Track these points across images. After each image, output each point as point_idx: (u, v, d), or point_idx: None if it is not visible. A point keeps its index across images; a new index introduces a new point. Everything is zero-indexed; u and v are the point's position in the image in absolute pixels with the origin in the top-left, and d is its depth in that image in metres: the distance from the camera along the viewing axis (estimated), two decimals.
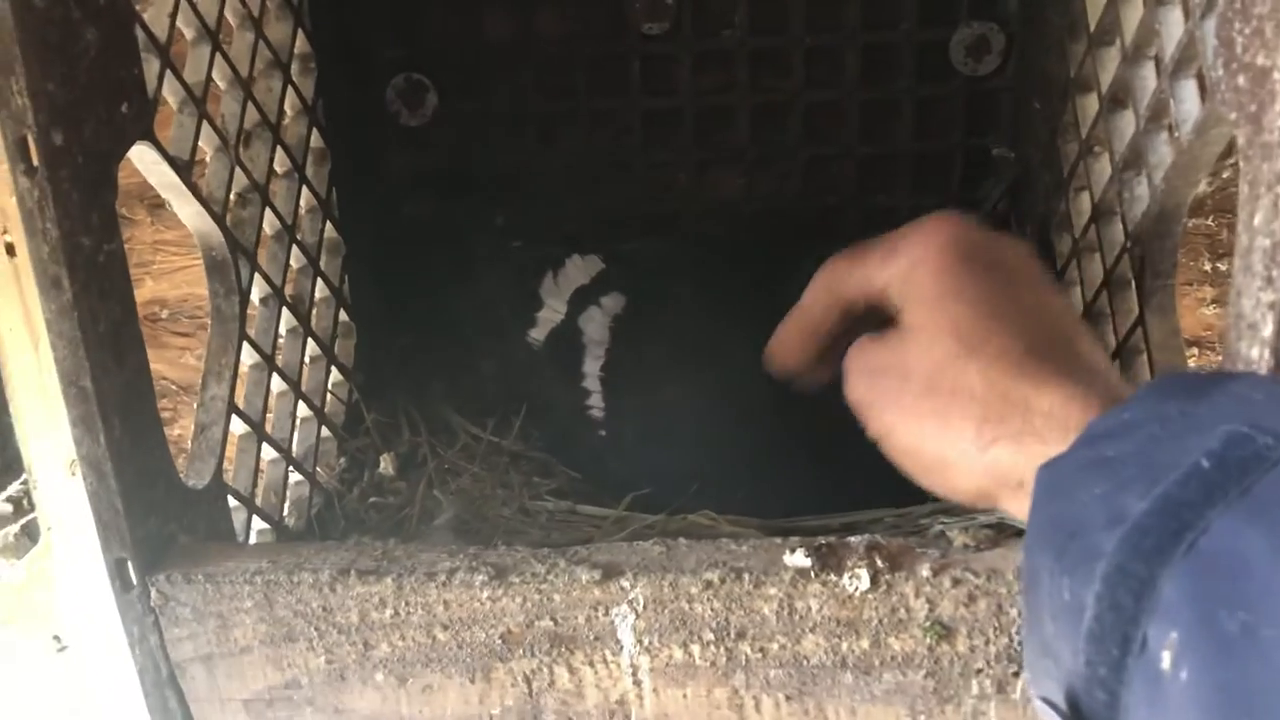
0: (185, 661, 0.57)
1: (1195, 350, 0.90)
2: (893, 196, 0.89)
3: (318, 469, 0.76)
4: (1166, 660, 0.31)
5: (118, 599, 0.56)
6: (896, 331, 0.50)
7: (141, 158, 0.56)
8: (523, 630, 0.55)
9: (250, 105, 0.67)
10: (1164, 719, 0.31)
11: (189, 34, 0.62)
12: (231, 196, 0.66)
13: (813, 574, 0.52)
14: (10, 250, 0.88)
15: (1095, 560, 0.34)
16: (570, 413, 0.79)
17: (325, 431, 0.78)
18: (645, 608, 0.54)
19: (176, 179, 0.59)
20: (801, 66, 0.86)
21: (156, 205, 0.95)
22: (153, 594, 0.55)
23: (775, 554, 0.53)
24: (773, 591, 0.53)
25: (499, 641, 0.55)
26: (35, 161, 0.48)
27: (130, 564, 0.55)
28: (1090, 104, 0.72)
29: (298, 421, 0.74)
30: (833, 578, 0.52)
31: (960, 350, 0.47)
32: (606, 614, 0.54)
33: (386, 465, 0.79)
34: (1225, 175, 0.87)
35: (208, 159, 0.64)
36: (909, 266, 0.49)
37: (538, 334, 0.81)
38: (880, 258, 0.51)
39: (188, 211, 0.61)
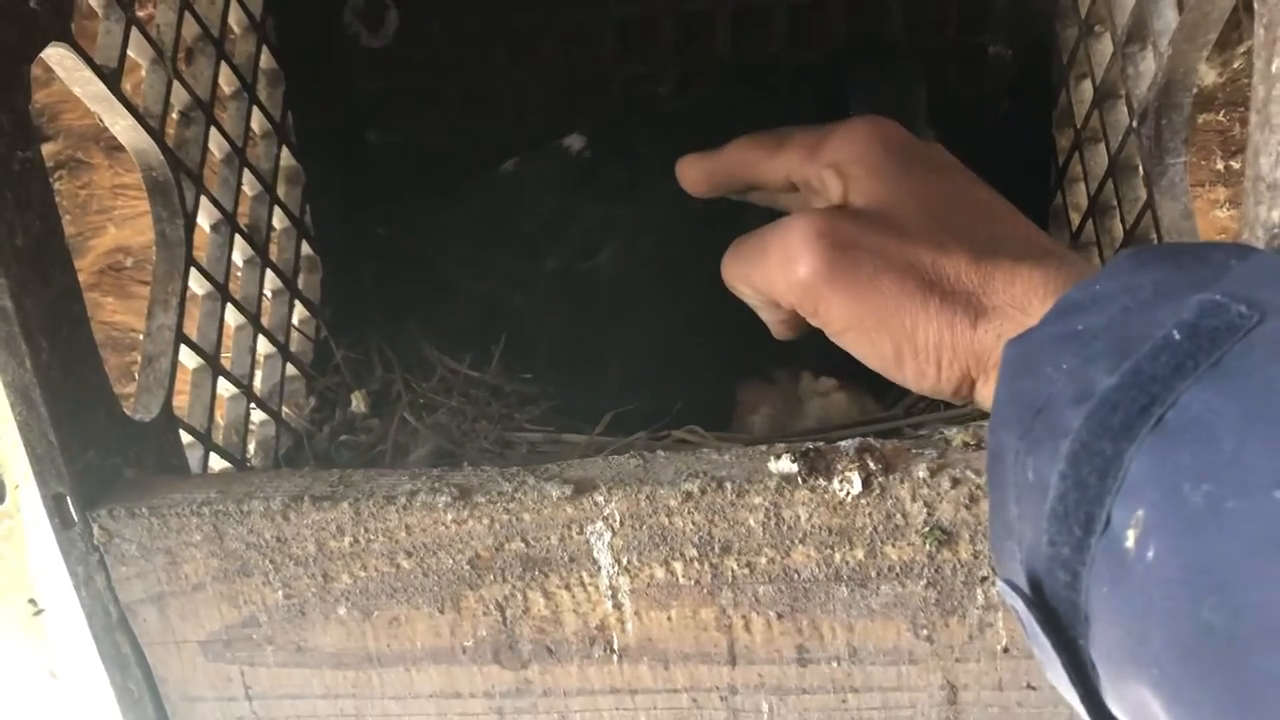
0: (135, 603, 0.53)
1: None
2: None
3: (285, 408, 0.73)
4: (1131, 539, 0.30)
5: (57, 537, 0.52)
6: (858, 210, 0.47)
7: (61, 62, 0.52)
8: (492, 554, 0.51)
9: (189, 17, 0.63)
10: (1126, 598, 0.30)
11: None
12: (174, 115, 0.62)
13: (800, 479, 0.48)
14: None
15: (1061, 438, 0.32)
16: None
17: (292, 370, 0.74)
18: (622, 524, 0.50)
19: (104, 88, 0.54)
20: None
21: (114, 147, 0.90)
22: (95, 530, 0.52)
23: (759, 461, 0.49)
24: (757, 501, 0.49)
25: (467, 567, 0.51)
26: None
27: (69, 499, 0.51)
28: None
29: (259, 358, 0.70)
30: (821, 483, 0.48)
31: (935, 233, 0.45)
32: (581, 532, 0.50)
33: (358, 403, 0.75)
34: (1236, 65, 0.82)
35: (143, 72, 0.60)
36: (857, 152, 0.48)
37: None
38: (815, 142, 0.51)
39: (120, 126, 0.57)
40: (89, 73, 0.53)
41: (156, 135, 0.58)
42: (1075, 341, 0.35)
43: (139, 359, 0.97)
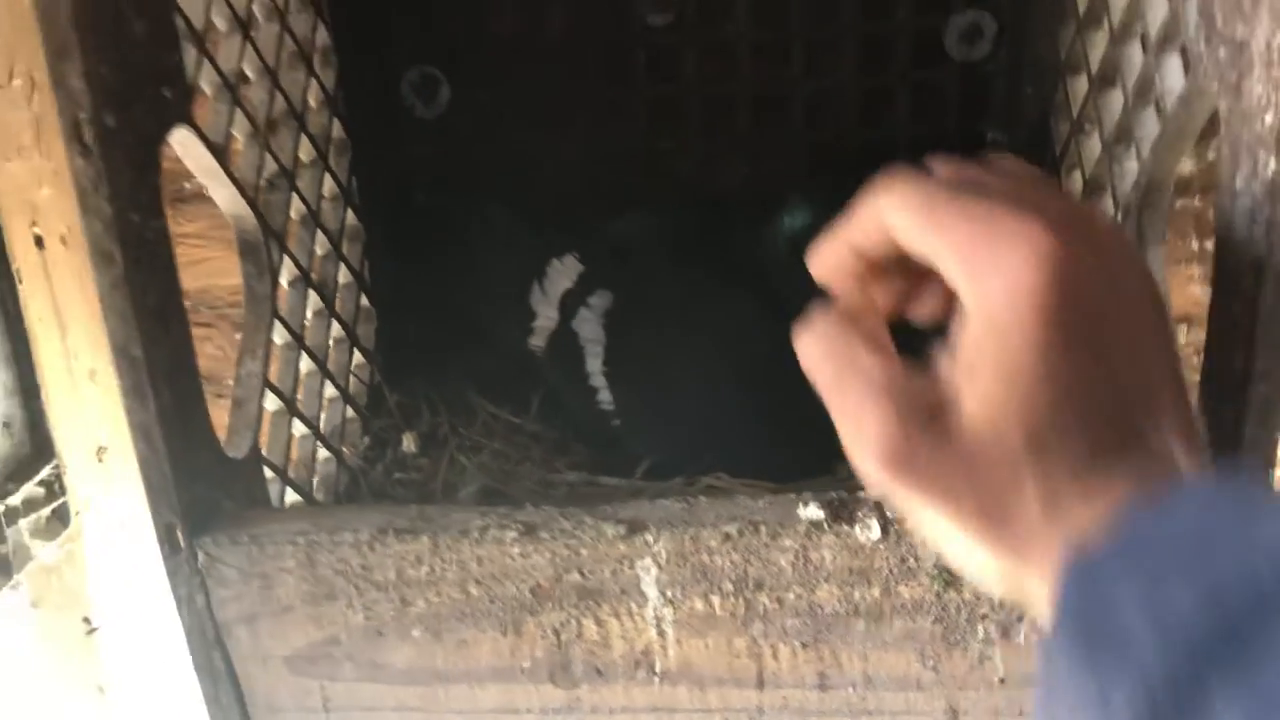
0: (230, 622, 0.59)
1: (1185, 325, 0.93)
2: None
3: (344, 447, 0.79)
4: None
5: (166, 562, 0.58)
6: (959, 416, 0.39)
7: (182, 141, 0.59)
8: (551, 584, 0.58)
9: (278, 94, 0.70)
10: None
11: (221, 25, 0.65)
12: (261, 182, 0.69)
13: (826, 525, 0.55)
14: (39, 243, 0.91)
15: (1135, 666, 0.31)
16: (582, 408, 0.82)
17: (350, 411, 0.81)
18: (668, 561, 0.57)
19: (214, 163, 0.62)
20: (802, 56, 0.89)
21: (177, 199, 0.97)
22: (200, 556, 0.58)
23: (790, 508, 0.56)
24: (789, 543, 0.56)
25: (529, 595, 0.58)
26: (89, 142, 0.51)
27: (178, 528, 0.58)
28: (1080, 84, 0.75)
29: (325, 401, 0.77)
30: (845, 529, 0.55)
31: (1042, 457, 0.38)
32: (631, 567, 0.57)
33: (409, 443, 0.82)
34: (1210, 157, 0.91)
35: (240, 145, 0.67)
36: (1001, 280, 0.38)
37: (537, 341, 0.84)
38: (964, 233, 0.39)
39: (224, 195, 0.64)
40: (203, 149, 0.61)
41: (253, 203, 0.66)
42: (1152, 565, 0.33)
43: None
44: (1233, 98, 0.50)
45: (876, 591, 0.56)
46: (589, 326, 0.82)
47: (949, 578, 0.56)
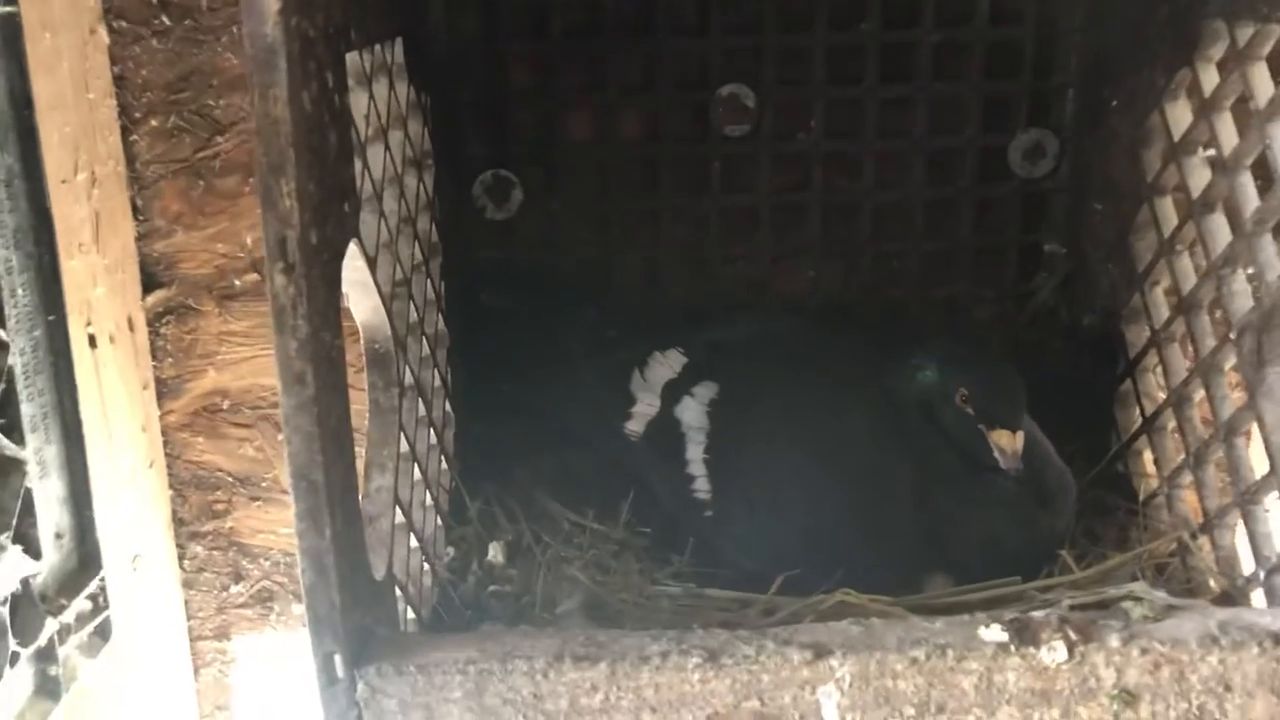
0: None
1: None
2: (953, 288, 0.95)
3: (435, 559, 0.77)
4: None
5: (322, 694, 0.55)
6: None
7: (350, 254, 0.57)
8: (729, 711, 0.56)
9: (403, 202, 0.69)
10: None
11: (370, 133, 0.64)
12: (391, 290, 0.67)
13: (1012, 648, 0.55)
14: (93, 342, 0.88)
15: None
16: (675, 497, 0.81)
17: (439, 521, 0.78)
18: (850, 685, 0.56)
19: (368, 274, 0.60)
20: (872, 168, 0.91)
21: (225, 296, 0.95)
22: (359, 687, 0.55)
23: (970, 630, 0.56)
24: (973, 666, 0.56)
25: None
26: (293, 260, 0.49)
27: (337, 657, 0.55)
28: (1167, 206, 0.78)
29: (425, 512, 0.75)
30: (1030, 650, 0.55)
31: None
32: (813, 693, 0.56)
33: (496, 554, 0.80)
34: None
35: (377, 255, 0.66)
36: None
37: (635, 426, 0.84)
38: None
39: (366, 305, 0.63)
40: (361, 261, 0.59)
41: (389, 312, 0.64)
42: None
43: (221, 498, 1.00)
44: None
45: (1056, 712, 0.56)
46: (693, 414, 0.81)
47: (1128, 698, 0.56)
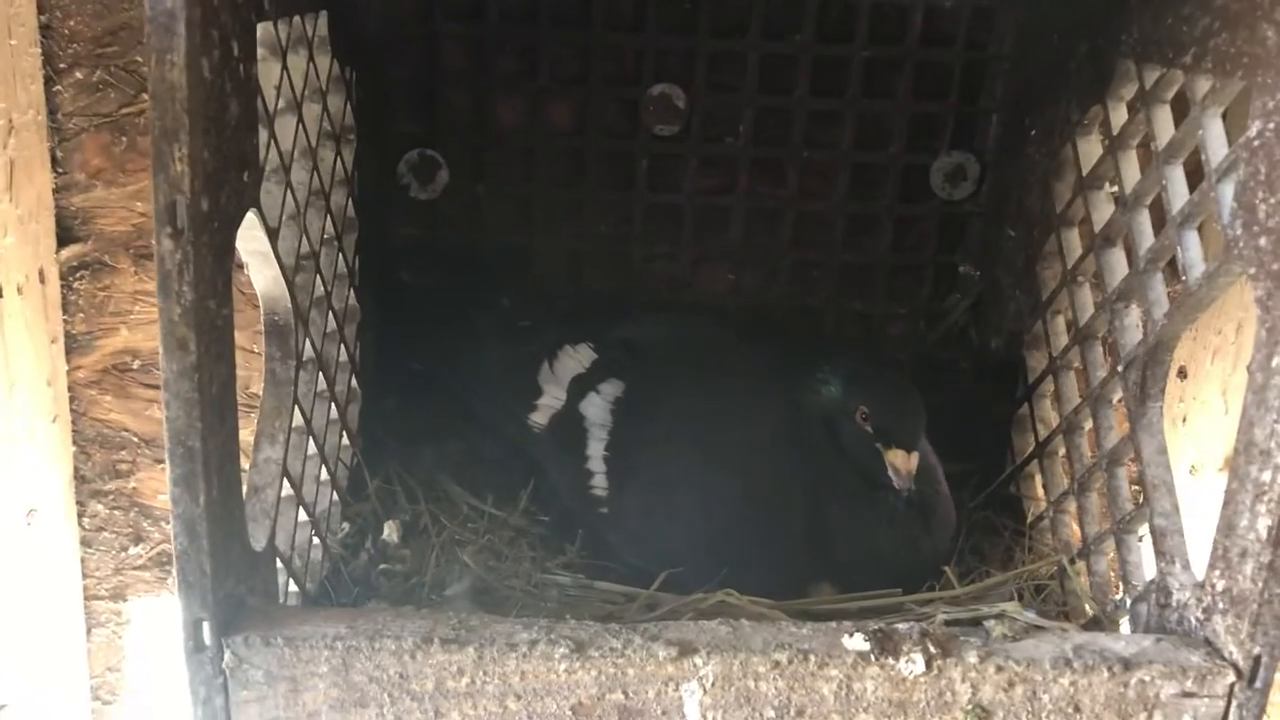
0: None
1: None
2: (868, 302, 0.96)
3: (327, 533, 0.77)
4: None
5: (188, 660, 0.55)
6: None
7: (248, 224, 0.57)
8: (594, 702, 0.57)
9: (315, 174, 0.69)
10: None
11: (281, 104, 0.64)
12: (294, 263, 0.67)
13: (872, 657, 0.57)
14: None
15: None
16: (573, 492, 0.82)
17: (335, 496, 0.78)
18: (714, 684, 0.57)
19: (268, 244, 0.60)
20: (796, 178, 0.92)
21: (142, 255, 0.94)
22: (226, 656, 0.55)
23: (835, 637, 0.58)
24: (834, 673, 0.57)
25: (569, 713, 0.57)
26: (181, 225, 0.49)
27: (206, 625, 0.55)
28: (1073, 238, 0.80)
29: (319, 487, 0.74)
30: (890, 661, 0.57)
31: None
32: (677, 689, 0.57)
33: (391, 533, 0.80)
34: None
35: (281, 226, 0.66)
36: None
37: (539, 419, 0.84)
38: None
39: (266, 275, 0.62)
40: (260, 232, 0.59)
41: (291, 284, 0.64)
42: None
43: (125, 458, 0.99)
44: (1273, 284, 0.54)
45: None
46: (597, 411, 0.82)
47: (982, 714, 0.58)
